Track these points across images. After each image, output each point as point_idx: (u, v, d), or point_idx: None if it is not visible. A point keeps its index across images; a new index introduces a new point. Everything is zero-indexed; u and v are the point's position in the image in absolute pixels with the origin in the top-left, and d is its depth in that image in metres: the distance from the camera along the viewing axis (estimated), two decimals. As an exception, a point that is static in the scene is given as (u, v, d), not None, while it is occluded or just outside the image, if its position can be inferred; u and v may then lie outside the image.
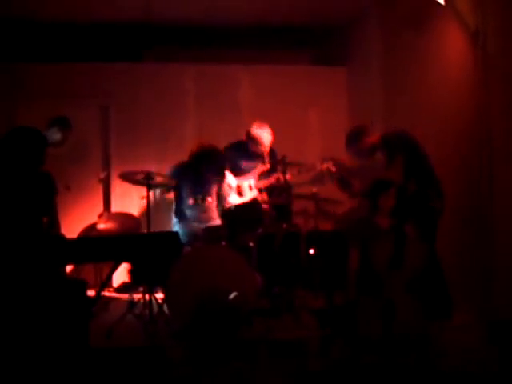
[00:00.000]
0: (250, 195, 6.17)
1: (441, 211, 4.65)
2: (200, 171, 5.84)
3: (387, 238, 4.41)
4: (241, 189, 6.19)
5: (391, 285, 4.28)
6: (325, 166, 6.05)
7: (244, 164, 6.27)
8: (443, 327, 4.44)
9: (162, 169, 6.02)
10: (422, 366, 4.00)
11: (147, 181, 5.24)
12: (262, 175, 6.31)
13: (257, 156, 6.24)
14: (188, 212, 5.87)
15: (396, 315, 4.17)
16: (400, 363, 4.03)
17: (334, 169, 5.68)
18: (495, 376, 3.85)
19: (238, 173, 6.23)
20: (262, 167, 6.28)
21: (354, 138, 5.17)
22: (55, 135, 6.01)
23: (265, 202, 5.92)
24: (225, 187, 6.05)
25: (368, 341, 4.27)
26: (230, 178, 6.11)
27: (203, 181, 5.88)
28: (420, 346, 4.17)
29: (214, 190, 5.99)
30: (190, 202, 5.87)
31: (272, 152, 6.32)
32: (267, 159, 6.23)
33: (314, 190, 6.00)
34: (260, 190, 6.26)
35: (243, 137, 6.25)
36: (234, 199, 6.04)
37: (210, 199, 5.90)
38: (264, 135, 6.09)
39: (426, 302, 4.33)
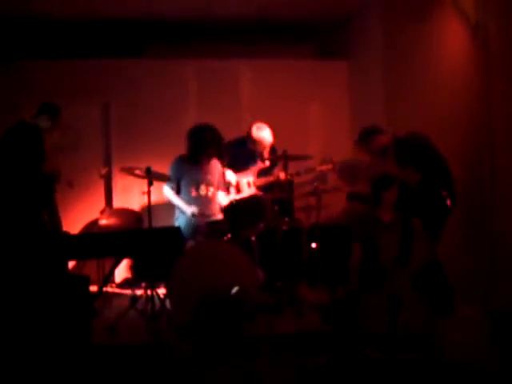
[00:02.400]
0: (248, 192, 6.18)
1: (450, 211, 4.65)
2: (198, 151, 5.83)
3: (392, 232, 4.40)
4: (239, 185, 6.19)
5: (397, 280, 4.27)
6: (324, 167, 6.08)
7: (244, 161, 6.28)
8: (446, 321, 4.43)
9: (163, 164, 6.03)
10: (426, 362, 3.99)
11: (148, 175, 5.23)
12: (261, 172, 6.31)
13: (257, 154, 6.25)
14: (190, 205, 5.88)
15: (402, 311, 4.16)
16: (403, 359, 4.02)
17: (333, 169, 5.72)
18: (498, 370, 3.85)
19: (237, 169, 6.23)
20: (261, 164, 6.28)
21: (366, 136, 5.16)
22: (44, 122, 5.95)
23: (266, 197, 5.91)
24: (224, 180, 6.06)
25: (370, 336, 4.26)
26: (229, 175, 6.11)
27: (203, 166, 5.89)
28: (423, 341, 4.16)
29: (217, 181, 5.99)
30: (193, 193, 5.87)
31: (272, 149, 6.33)
32: (267, 157, 6.25)
33: (315, 184, 5.99)
34: (259, 188, 6.26)
35: (244, 133, 6.28)
36: (232, 196, 6.04)
37: (212, 189, 5.90)
38: (265, 137, 6.13)
39: (431, 298, 4.33)
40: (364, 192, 5.12)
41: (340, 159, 6.38)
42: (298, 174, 6.18)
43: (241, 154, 6.28)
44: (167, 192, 5.93)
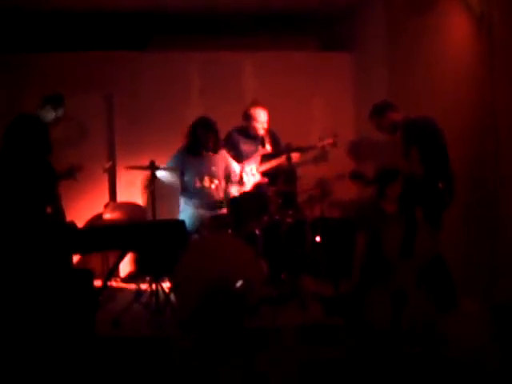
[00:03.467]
0: (252, 180, 6.18)
1: (447, 205, 4.63)
2: (200, 142, 5.87)
3: (397, 224, 4.39)
4: (243, 174, 6.20)
5: (402, 274, 4.26)
6: (326, 142, 6.10)
7: (244, 147, 6.29)
8: (448, 316, 4.42)
9: (167, 157, 6.04)
10: (429, 356, 3.98)
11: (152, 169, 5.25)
12: (264, 158, 6.32)
13: (256, 138, 6.26)
14: (194, 197, 5.89)
15: (406, 305, 4.15)
16: (406, 353, 4.01)
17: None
18: (499, 365, 3.84)
19: (240, 158, 6.24)
20: (263, 150, 6.29)
21: (379, 110, 5.15)
22: (48, 114, 5.93)
23: (270, 188, 5.92)
24: (232, 172, 6.07)
25: (375, 330, 4.26)
26: (234, 165, 6.11)
27: (208, 158, 5.91)
28: (426, 336, 4.15)
29: (222, 173, 6.00)
30: (197, 184, 5.90)
31: (273, 136, 6.34)
32: (267, 141, 6.26)
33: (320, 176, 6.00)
34: (263, 174, 6.27)
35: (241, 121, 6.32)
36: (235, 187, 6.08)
37: (216, 181, 5.92)
38: (260, 112, 6.16)
39: (435, 293, 4.32)
40: (369, 174, 5.10)
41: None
42: (300, 150, 6.16)
43: (241, 141, 6.31)
44: (160, 173, 5.92)
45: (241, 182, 6.10)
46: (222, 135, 6.21)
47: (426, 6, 5.81)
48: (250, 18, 7.59)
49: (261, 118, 6.21)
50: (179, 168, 5.93)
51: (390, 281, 4.26)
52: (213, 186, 5.93)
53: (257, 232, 5.54)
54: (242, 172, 6.12)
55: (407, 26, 6.29)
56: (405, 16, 6.28)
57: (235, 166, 6.13)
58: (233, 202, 5.58)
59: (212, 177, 5.93)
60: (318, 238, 5.90)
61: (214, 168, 5.97)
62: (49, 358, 3.65)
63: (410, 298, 4.16)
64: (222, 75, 7.47)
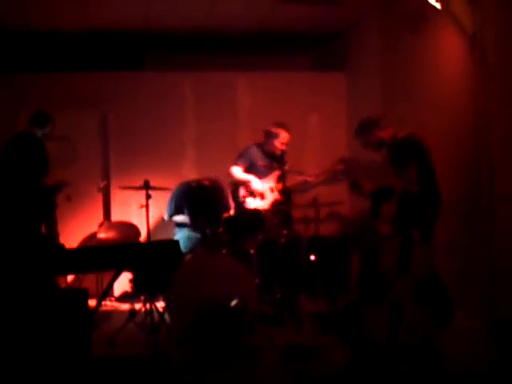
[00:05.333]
0: (271, 198, 6.19)
1: (436, 218, 4.63)
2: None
3: (392, 243, 4.38)
4: (263, 192, 6.22)
5: (399, 290, 4.25)
6: (340, 166, 6.07)
7: (261, 163, 6.27)
8: (445, 331, 4.41)
9: (162, 177, 6.04)
10: (426, 371, 3.97)
11: (146, 188, 5.24)
12: (280, 178, 6.31)
13: (273, 157, 6.23)
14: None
15: (403, 322, 4.14)
16: (403, 368, 4.00)
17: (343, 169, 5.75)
18: (498, 378, 3.83)
19: (256, 173, 6.24)
20: (279, 170, 6.27)
21: (365, 127, 5.13)
22: (34, 132, 5.88)
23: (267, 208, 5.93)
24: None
25: (372, 346, 4.24)
26: (255, 183, 6.14)
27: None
28: (423, 350, 4.14)
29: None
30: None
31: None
32: (284, 159, 6.23)
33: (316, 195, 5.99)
34: (280, 192, 6.27)
35: (244, 145, 6.31)
36: (256, 203, 6.12)
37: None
38: (282, 133, 6.17)
39: (430, 307, 4.31)
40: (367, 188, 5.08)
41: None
42: (317, 176, 6.17)
43: (260, 157, 6.29)
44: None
45: (262, 197, 6.13)
46: (218, 154, 6.23)
47: (418, 27, 5.86)
48: (246, 38, 7.65)
49: (282, 139, 6.19)
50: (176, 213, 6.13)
51: (386, 295, 4.25)
52: None
53: (252, 251, 5.52)
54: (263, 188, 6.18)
55: (401, 45, 6.35)
56: (398, 36, 6.34)
57: (256, 184, 6.15)
58: (228, 221, 5.57)
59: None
60: (312, 257, 5.88)
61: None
62: (45, 379, 3.62)
63: (407, 313, 4.15)
64: (217, 95, 7.51)
